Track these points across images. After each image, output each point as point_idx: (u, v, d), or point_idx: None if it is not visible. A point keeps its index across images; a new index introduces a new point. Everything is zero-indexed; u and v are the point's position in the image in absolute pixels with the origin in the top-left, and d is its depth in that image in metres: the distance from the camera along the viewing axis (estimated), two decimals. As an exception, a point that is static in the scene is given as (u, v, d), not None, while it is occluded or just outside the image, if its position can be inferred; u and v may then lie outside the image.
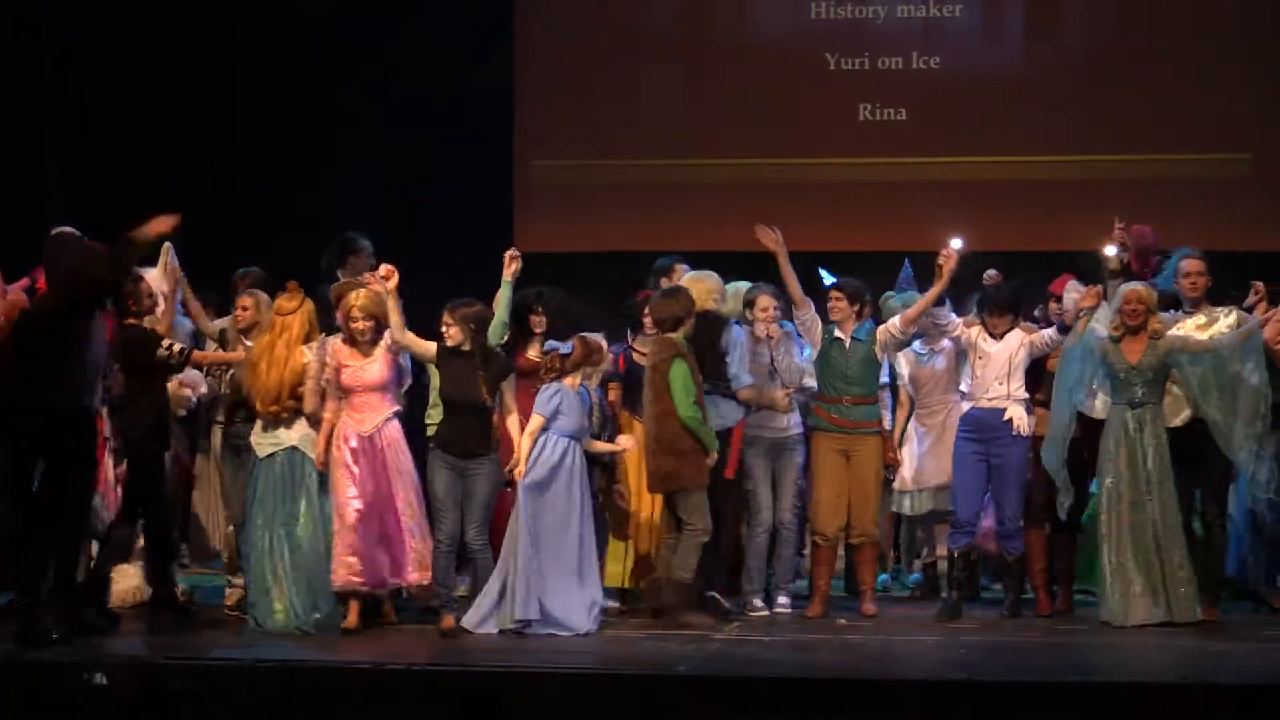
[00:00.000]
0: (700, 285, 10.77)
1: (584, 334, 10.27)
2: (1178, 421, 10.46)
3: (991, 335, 10.72)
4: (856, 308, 10.85)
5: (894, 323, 10.79)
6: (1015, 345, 10.67)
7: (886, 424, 11.19)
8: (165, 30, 15.24)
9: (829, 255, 13.36)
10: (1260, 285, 10.97)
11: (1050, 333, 10.68)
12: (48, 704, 8.54)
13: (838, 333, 10.78)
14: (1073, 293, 10.93)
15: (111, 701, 8.44)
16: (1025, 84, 15.32)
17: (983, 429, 10.61)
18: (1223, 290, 11.22)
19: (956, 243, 10.84)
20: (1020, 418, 10.60)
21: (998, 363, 10.62)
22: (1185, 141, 15.03)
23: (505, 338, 10.27)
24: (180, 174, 14.81)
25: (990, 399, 10.62)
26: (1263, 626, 10.11)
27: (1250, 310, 10.81)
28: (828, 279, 11.64)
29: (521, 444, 9.99)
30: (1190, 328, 10.55)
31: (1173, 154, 15.02)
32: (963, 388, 10.81)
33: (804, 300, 10.78)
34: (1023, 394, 10.64)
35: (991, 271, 11.91)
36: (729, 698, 8.33)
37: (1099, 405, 10.53)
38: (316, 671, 8.75)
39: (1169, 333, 10.39)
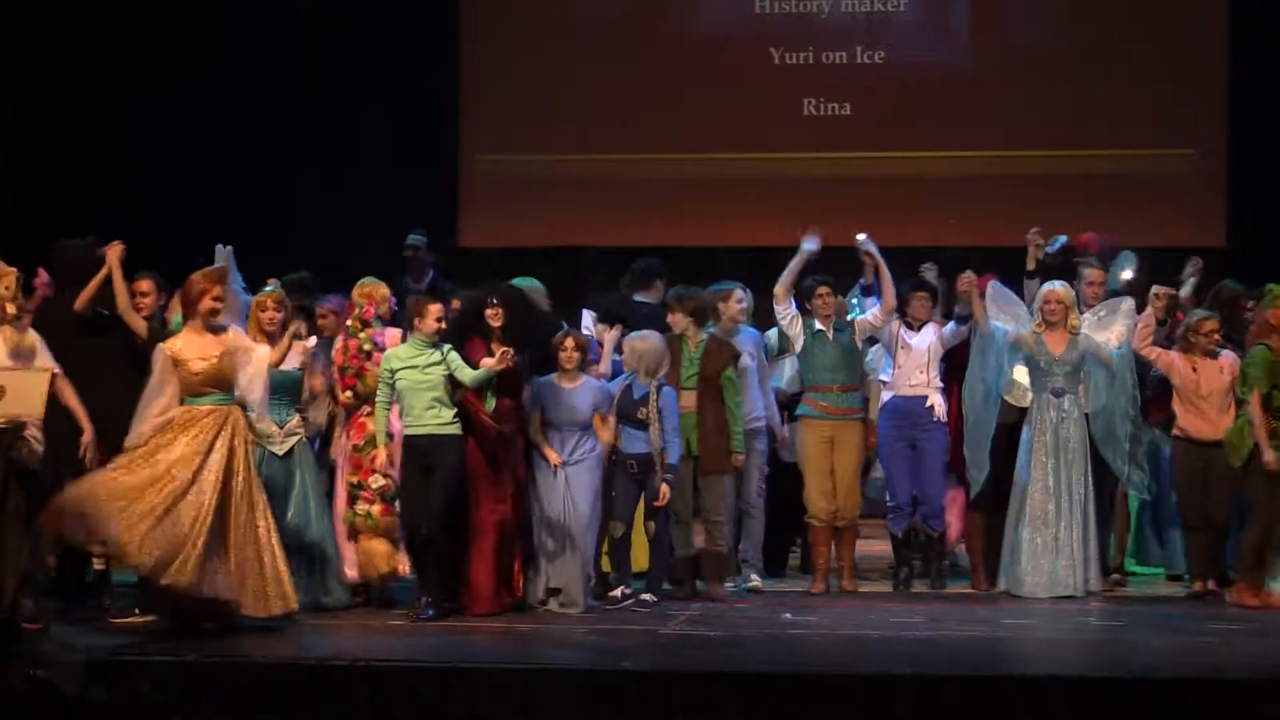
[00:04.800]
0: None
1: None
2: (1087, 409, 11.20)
3: (910, 327, 11.33)
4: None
5: (875, 313, 11.27)
6: (933, 337, 11.35)
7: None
8: (117, 25, 15.19)
9: (772, 249, 13.39)
10: (1199, 261, 11.66)
11: (951, 326, 11.36)
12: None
13: (819, 325, 11.23)
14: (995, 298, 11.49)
15: (52, 698, 8.40)
16: (969, 79, 15.39)
17: (906, 415, 11.30)
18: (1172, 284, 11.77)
19: (861, 236, 11.45)
20: (939, 404, 11.29)
21: (918, 353, 11.31)
22: (1129, 137, 15.14)
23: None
24: (125, 170, 14.80)
25: (912, 386, 11.28)
26: (1207, 619, 10.17)
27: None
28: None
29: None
30: (1086, 324, 11.24)
31: (1116, 150, 15.12)
32: (884, 377, 11.43)
33: (785, 298, 11.24)
34: (939, 382, 11.32)
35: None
36: (674, 693, 8.30)
37: (1019, 393, 11.20)
38: (259, 668, 8.69)
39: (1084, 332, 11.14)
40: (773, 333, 11.69)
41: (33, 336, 9.63)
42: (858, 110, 15.47)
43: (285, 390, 10.18)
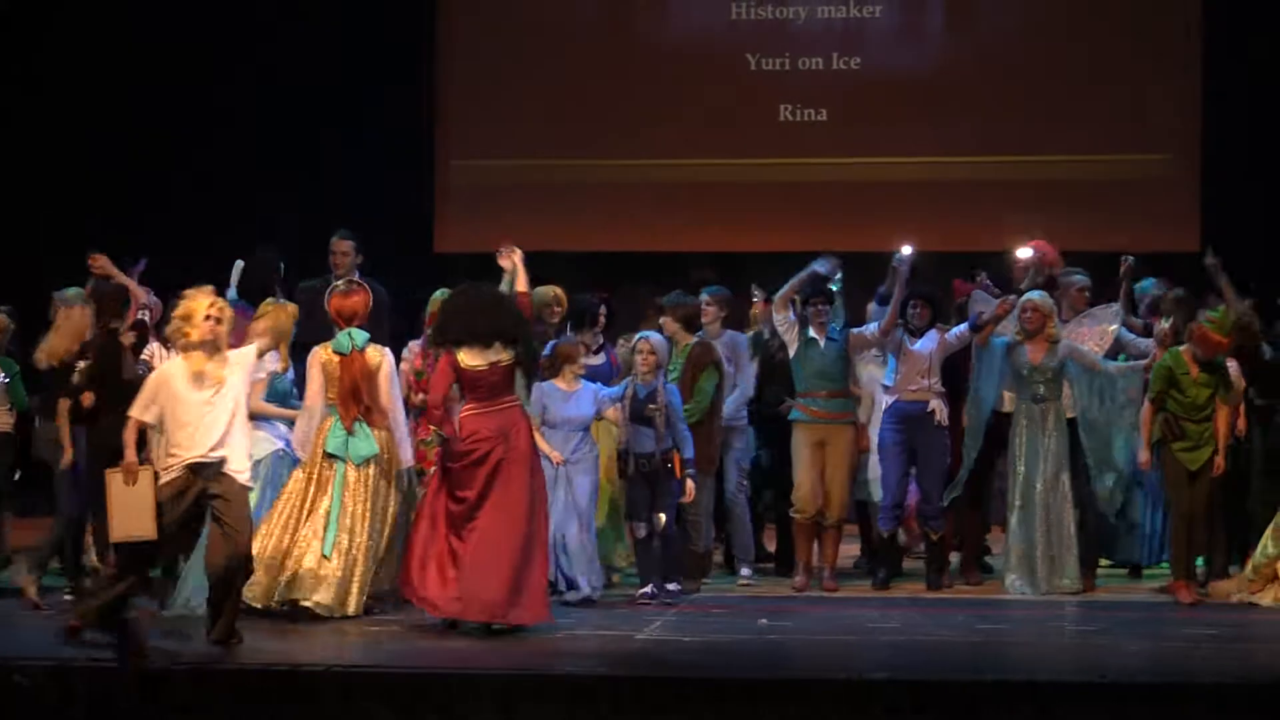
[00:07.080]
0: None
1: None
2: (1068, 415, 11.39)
3: (910, 333, 11.42)
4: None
5: (873, 330, 11.46)
6: (934, 343, 11.43)
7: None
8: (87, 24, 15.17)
9: (747, 255, 13.40)
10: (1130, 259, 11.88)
11: (962, 329, 11.44)
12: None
13: (813, 333, 11.38)
14: (979, 304, 11.62)
15: (32, 703, 8.39)
16: (945, 85, 15.40)
17: (907, 420, 11.42)
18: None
19: (906, 250, 11.51)
20: (940, 409, 11.42)
21: (919, 358, 11.40)
22: (1104, 142, 15.16)
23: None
24: (110, 173, 14.77)
25: (913, 391, 11.36)
26: (1181, 624, 10.20)
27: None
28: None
29: None
30: (1068, 330, 11.49)
31: (1092, 154, 15.14)
32: (886, 382, 11.55)
33: (785, 304, 11.46)
34: (940, 387, 11.42)
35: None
36: (649, 699, 8.30)
37: (1006, 400, 11.46)
38: (243, 673, 8.69)
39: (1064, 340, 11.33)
40: (741, 338, 11.98)
41: (208, 363, 9.12)
42: (834, 116, 15.48)
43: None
